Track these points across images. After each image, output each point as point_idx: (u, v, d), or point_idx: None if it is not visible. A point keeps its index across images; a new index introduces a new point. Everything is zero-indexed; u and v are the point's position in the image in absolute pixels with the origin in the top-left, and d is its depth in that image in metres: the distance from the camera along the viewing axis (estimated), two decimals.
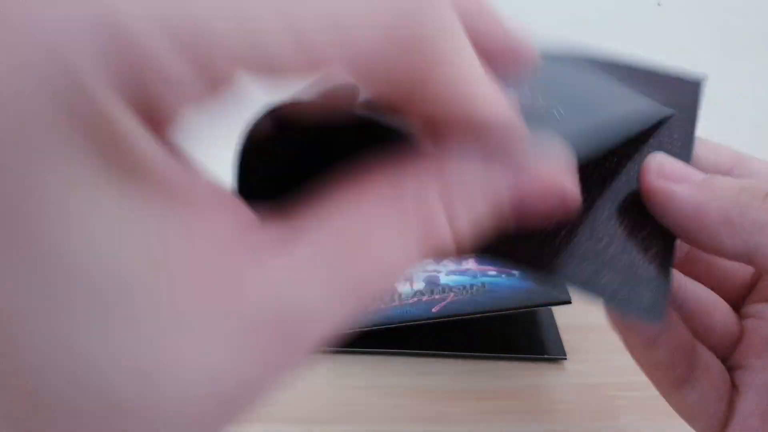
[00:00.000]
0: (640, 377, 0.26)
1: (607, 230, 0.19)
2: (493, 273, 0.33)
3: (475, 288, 0.32)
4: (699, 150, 0.21)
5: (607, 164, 0.21)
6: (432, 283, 0.32)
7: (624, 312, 0.19)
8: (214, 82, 0.09)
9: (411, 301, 0.31)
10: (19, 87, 0.08)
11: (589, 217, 0.19)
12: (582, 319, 0.32)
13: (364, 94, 0.14)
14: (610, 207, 0.20)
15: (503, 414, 0.27)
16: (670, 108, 0.23)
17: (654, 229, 0.19)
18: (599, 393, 0.29)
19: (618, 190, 0.21)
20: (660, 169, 0.19)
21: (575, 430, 0.26)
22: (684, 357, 0.22)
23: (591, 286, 0.18)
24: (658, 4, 0.52)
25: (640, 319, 0.19)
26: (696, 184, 0.18)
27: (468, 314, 0.29)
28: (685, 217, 0.18)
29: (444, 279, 0.32)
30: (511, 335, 0.32)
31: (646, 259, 0.19)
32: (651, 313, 0.19)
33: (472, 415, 0.27)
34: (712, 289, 0.23)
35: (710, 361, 0.22)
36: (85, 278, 0.08)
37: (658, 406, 0.27)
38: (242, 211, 0.11)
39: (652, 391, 0.28)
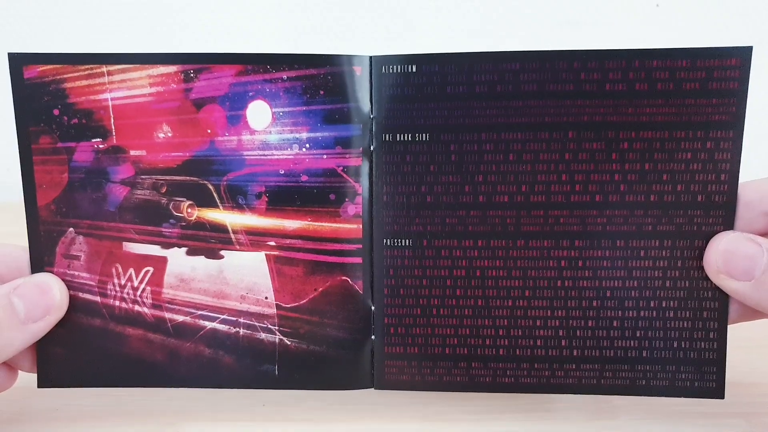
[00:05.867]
0: None
1: None
2: None
3: None
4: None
5: None
6: None
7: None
8: None
9: None
10: None
11: None
12: None
13: None
14: None
15: (502, 414, 0.27)
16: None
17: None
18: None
19: None
20: (722, 266, 0.23)
21: (574, 430, 0.26)
22: None
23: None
24: (657, 5, 0.52)
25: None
26: (755, 283, 0.23)
27: None
28: (750, 305, 0.24)
29: None
30: None
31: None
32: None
33: (472, 416, 0.27)
34: None
35: None
36: None
37: (658, 406, 0.27)
38: None
39: None
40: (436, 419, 0.27)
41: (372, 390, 0.27)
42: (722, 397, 0.25)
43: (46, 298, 0.25)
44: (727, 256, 0.23)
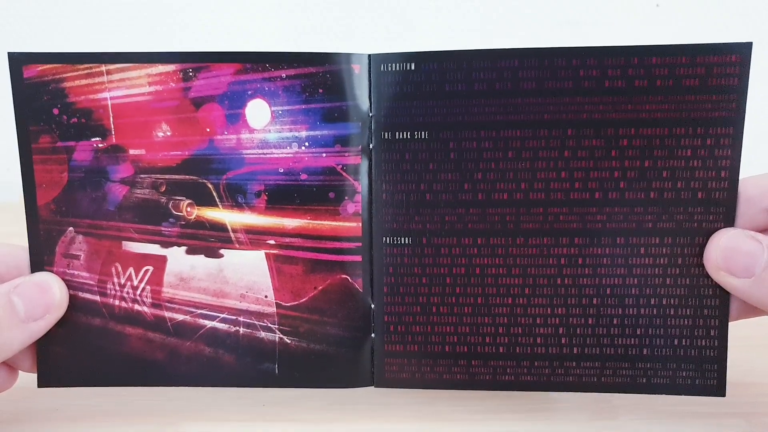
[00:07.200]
0: None
1: None
2: None
3: None
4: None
5: None
6: None
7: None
8: None
9: None
10: None
11: None
12: None
13: None
14: None
15: (503, 414, 0.27)
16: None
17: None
18: (598, 393, 0.28)
19: None
20: (722, 263, 0.23)
21: (574, 430, 0.26)
22: None
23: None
24: (657, 5, 0.52)
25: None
26: (755, 279, 0.23)
27: None
28: (751, 302, 0.23)
29: None
30: None
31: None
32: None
33: (472, 415, 0.27)
34: None
35: None
36: None
37: (658, 406, 0.27)
38: None
39: None
40: (436, 419, 0.27)
41: (372, 389, 0.27)
42: (723, 395, 0.25)
43: (46, 296, 0.25)
44: (727, 253, 0.23)
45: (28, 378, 0.27)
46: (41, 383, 0.27)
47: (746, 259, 0.23)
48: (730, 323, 0.25)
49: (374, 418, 0.27)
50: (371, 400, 0.28)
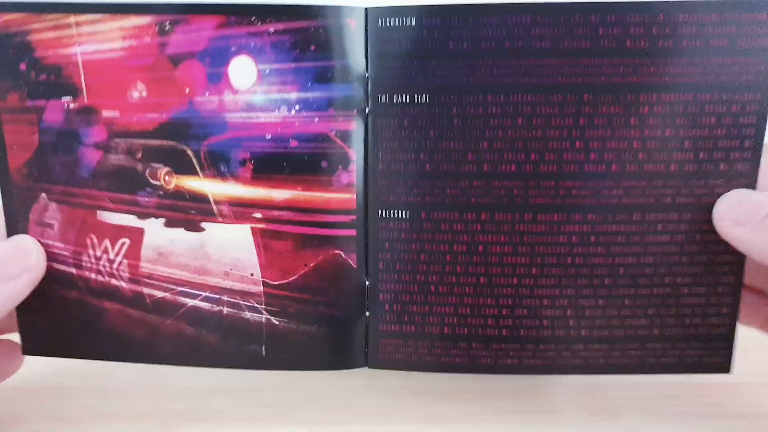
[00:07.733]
0: (641, 378, 0.24)
1: None
2: None
3: None
4: None
5: None
6: None
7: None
8: None
9: None
10: None
11: None
12: None
13: None
14: None
15: (503, 414, 0.26)
16: None
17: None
18: (599, 393, 0.27)
19: None
20: (726, 212, 0.22)
21: (575, 430, 0.25)
22: None
23: None
24: None
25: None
26: (757, 226, 0.21)
27: None
28: (753, 255, 0.22)
29: None
30: None
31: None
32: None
33: (472, 416, 0.26)
34: None
35: None
36: None
37: (659, 406, 0.27)
38: None
39: (653, 391, 0.27)
40: (437, 420, 0.26)
41: (370, 390, 0.26)
42: (729, 371, 0.24)
43: (23, 257, 0.23)
44: (734, 201, 0.22)
45: (27, 378, 0.26)
46: (25, 351, 0.26)
47: (752, 207, 0.21)
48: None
49: (375, 418, 0.26)
50: (372, 401, 0.27)
